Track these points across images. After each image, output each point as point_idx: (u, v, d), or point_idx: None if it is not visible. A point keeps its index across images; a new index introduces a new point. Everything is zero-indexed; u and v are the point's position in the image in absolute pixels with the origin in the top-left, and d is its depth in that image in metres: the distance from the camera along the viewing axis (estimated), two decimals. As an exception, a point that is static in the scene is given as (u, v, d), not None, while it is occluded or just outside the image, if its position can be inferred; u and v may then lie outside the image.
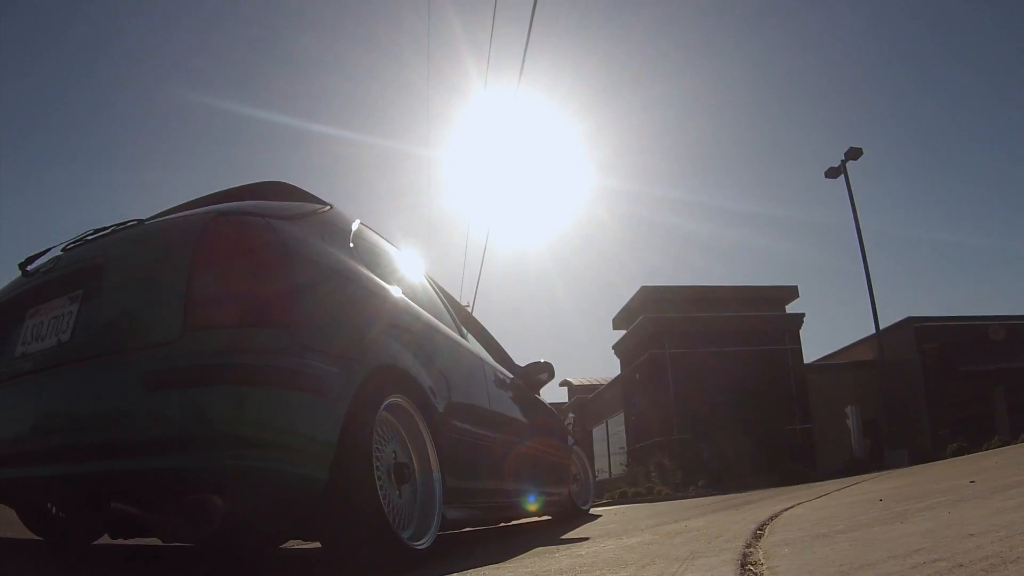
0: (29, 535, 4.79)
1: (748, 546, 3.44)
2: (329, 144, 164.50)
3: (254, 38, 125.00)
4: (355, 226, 4.91)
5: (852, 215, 30.31)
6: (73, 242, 4.16)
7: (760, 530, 4.05)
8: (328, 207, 4.73)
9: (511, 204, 63.17)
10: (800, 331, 36.00)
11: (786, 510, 5.22)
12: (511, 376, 7.17)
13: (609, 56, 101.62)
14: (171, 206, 4.94)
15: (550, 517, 8.14)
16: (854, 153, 30.43)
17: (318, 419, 3.41)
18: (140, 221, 4.12)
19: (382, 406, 3.94)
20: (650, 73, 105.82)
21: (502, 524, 7.69)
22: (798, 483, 12.27)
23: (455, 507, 4.76)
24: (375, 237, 5.28)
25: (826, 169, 31.34)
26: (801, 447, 31.08)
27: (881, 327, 31.00)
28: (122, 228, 4.04)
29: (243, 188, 4.94)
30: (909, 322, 37.09)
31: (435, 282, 6.41)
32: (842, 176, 30.60)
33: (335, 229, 4.51)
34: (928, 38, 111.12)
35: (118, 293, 3.57)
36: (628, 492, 22.57)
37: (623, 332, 38.68)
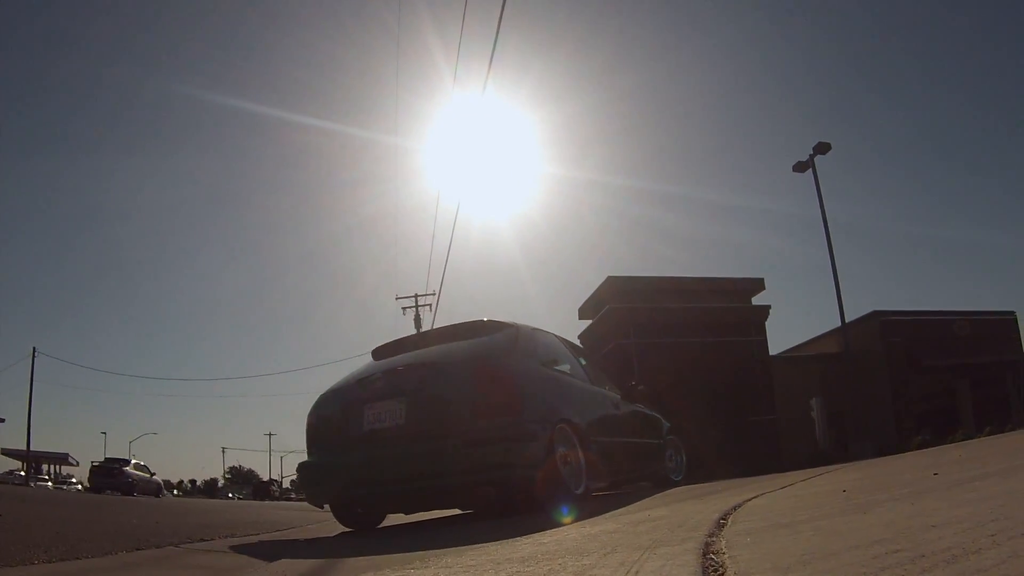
0: (339, 528, 8.61)
1: (711, 535, 3.42)
2: (299, 132, 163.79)
3: (225, 29, 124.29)
4: (536, 335, 9.02)
5: (820, 209, 30.45)
6: (381, 370, 8.12)
7: (723, 519, 4.04)
8: (516, 327, 8.73)
9: (479, 194, 63.25)
10: (766, 323, 36.15)
11: (750, 500, 5.22)
12: (620, 395, 10.61)
13: (579, 47, 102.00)
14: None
15: (656, 485, 10.83)
16: (822, 147, 30.49)
17: (535, 451, 7.11)
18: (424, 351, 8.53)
19: (555, 432, 7.50)
20: (619, 65, 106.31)
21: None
22: (763, 474, 12.33)
23: (592, 479, 8.22)
24: (548, 337, 9.44)
25: (794, 163, 31.39)
26: (767, 438, 31.23)
27: (847, 320, 31.16)
28: (419, 363, 7.92)
29: (460, 326, 9.38)
30: (875, 316, 37.35)
31: (575, 345, 10.96)
32: (810, 170, 30.66)
33: (528, 343, 8.56)
34: (895, 36, 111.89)
35: (431, 400, 7.40)
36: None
37: (589, 322, 38.64)
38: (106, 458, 53.26)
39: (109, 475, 42.37)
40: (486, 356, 7.79)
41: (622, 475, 9.78)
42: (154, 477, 47.66)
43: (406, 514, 9.77)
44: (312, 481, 8.36)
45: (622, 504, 7.06)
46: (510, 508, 7.22)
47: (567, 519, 5.96)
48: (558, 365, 8.98)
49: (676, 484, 11.02)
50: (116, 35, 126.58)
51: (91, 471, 44.86)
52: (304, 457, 8.57)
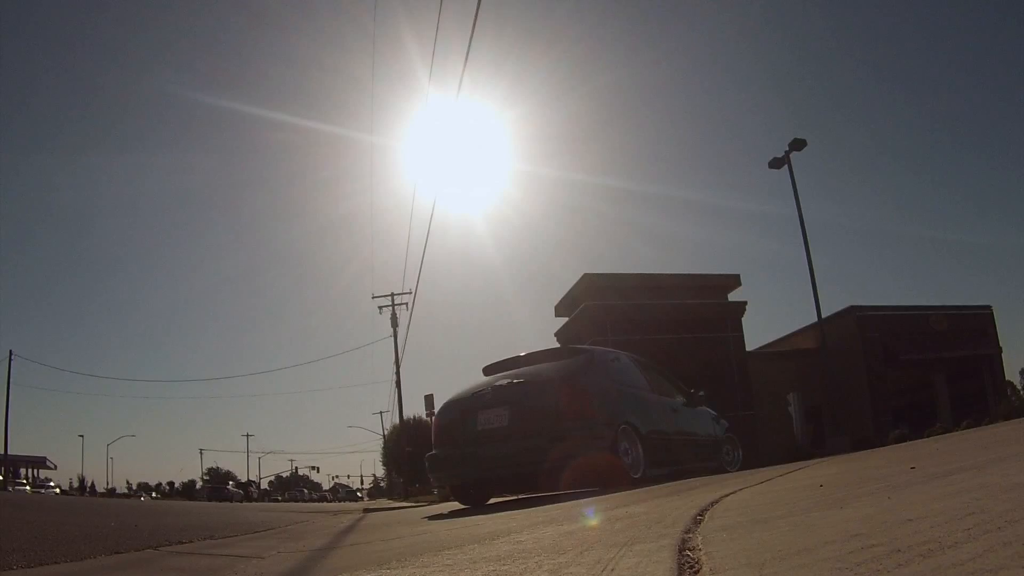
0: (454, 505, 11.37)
1: (687, 531, 3.41)
2: (275, 129, 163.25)
3: (200, 26, 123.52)
4: (607, 356, 12.02)
5: (796, 205, 30.49)
6: (490, 385, 10.73)
7: (700, 516, 4.04)
8: (592, 351, 12.06)
9: (455, 192, 63.16)
10: (743, 319, 36.33)
11: (727, 496, 5.22)
12: (684, 400, 13.22)
13: (554, 44, 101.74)
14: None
15: (711, 474, 11.56)
16: (798, 144, 30.53)
17: (602, 446, 9.71)
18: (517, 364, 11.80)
19: (619, 432, 10.07)
20: (595, 62, 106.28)
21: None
22: (741, 469, 12.49)
23: (650, 468, 10.49)
24: (619, 357, 12.25)
25: (770, 159, 31.42)
26: (744, 434, 31.33)
27: (823, 316, 31.27)
28: (519, 380, 10.51)
29: (550, 350, 12.39)
30: (851, 311, 37.61)
31: (645, 362, 13.14)
32: (786, 166, 30.66)
33: (600, 363, 11.49)
34: (873, 32, 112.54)
35: (527, 408, 10.02)
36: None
37: (565, 319, 38.68)
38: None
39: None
40: (567, 375, 10.61)
41: (679, 465, 11.56)
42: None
43: (508, 495, 12.08)
44: (438, 469, 11.28)
45: (662, 491, 7.07)
46: (582, 486, 9.91)
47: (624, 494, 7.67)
48: (625, 379, 11.73)
49: (731, 475, 11.67)
50: (87, 31, 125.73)
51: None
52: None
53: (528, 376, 10.71)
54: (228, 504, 45.96)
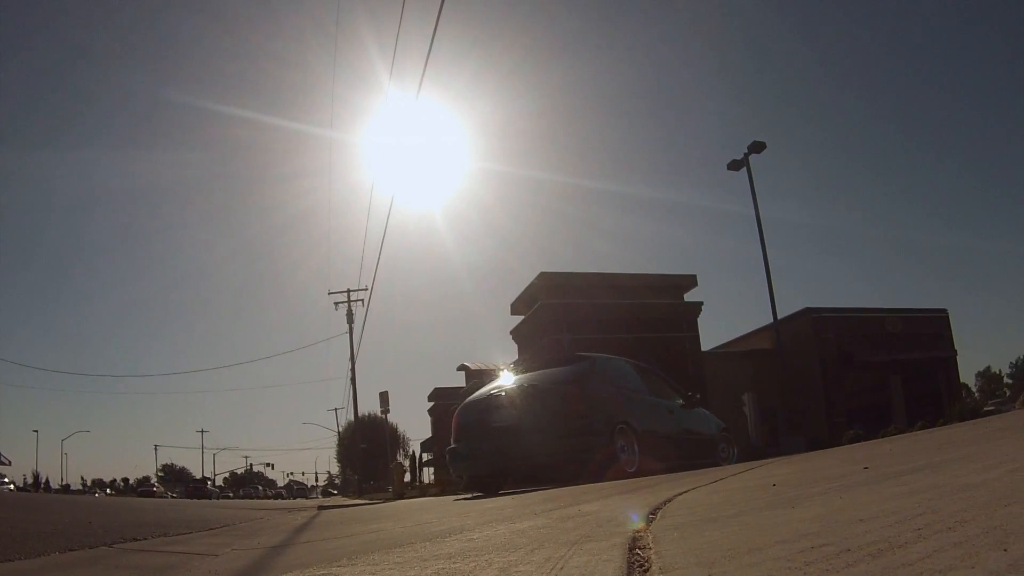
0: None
1: (638, 530, 3.39)
2: (232, 125, 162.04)
3: (155, 19, 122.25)
4: (608, 362, 13.33)
5: (753, 206, 30.56)
6: (503, 387, 12.42)
7: (652, 514, 4.03)
8: (593, 358, 13.36)
9: (413, 189, 63.09)
10: (699, 319, 36.51)
11: (680, 494, 5.21)
12: (681, 402, 14.21)
13: (514, 43, 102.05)
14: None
15: (707, 468, 11.94)
16: (757, 147, 30.58)
17: (600, 443, 11.02)
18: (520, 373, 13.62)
19: (616, 430, 11.30)
20: (555, 61, 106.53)
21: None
22: (695, 468, 12.66)
23: (645, 463, 11.37)
24: (619, 363, 13.56)
25: (729, 161, 31.44)
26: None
27: (779, 317, 31.43)
28: (528, 384, 12.08)
29: (558, 357, 15.87)
30: (807, 312, 37.94)
31: (644, 368, 14.44)
32: (744, 168, 30.71)
33: (601, 369, 12.82)
34: (833, 36, 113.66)
35: (535, 408, 11.49)
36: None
37: (521, 318, 38.67)
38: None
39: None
40: (570, 379, 12.14)
41: (674, 461, 12.29)
42: None
43: (517, 485, 12.72)
44: (458, 462, 12.69)
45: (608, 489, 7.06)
46: (584, 479, 10.43)
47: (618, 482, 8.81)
48: (623, 383, 13.06)
49: (729, 469, 13.34)
50: (44, 26, 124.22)
51: None
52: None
53: (536, 380, 12.25)
54: (184, 501, 45.66)
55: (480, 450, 11.96)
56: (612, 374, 13.07)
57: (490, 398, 12.29)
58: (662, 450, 12.35)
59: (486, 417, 12.06)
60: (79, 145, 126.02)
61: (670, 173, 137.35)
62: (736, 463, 13.65)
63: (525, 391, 11.91)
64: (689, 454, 13.16)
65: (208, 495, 77.64)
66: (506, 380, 12.95)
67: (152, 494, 68.27)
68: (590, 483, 9.49)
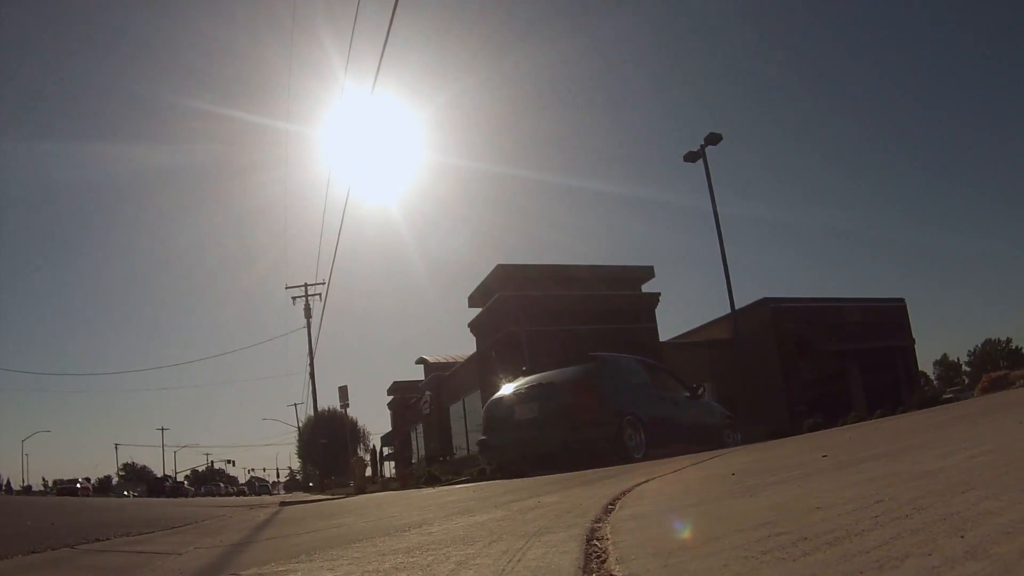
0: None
1: (597, 521, 3.38)
2: (187, 116, 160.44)
3: (110, 10, 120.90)
4: (617, 360, 15.08)
5: (710, 198, 30.62)
6: (524, 385, 13.88)
7: (611, 505, 4.02)
8: (602, 357, 14.93)
9: (369, 183, 62.81)
10: (656, 310, 36.60)
11: (639, 485, 5.22)
12: (687, 393, 15.62)
13: (468, 32, 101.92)
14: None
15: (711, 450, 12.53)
16: (713, 138, 30.56)
17: (609, 432, 12.35)
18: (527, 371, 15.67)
19: (624, 421, 12.61)
20: (510, 54, 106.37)
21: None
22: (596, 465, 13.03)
23: (651, 449, 12.47)
24: (626, 360, 15.30)
25: (685, 153, 31.45)
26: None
27: (737, 307, 31.54)
28: (546, 382, 13.52)
29: (572, 358, 15.27)
30: (765, 302, 38.13)
31: (650, 363, 16.42)
32: (701, 160, 30.73)
33: (610, 366, 14.45)
34: (787, 27, 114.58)
35: (552, 403, 12.86)
36: (487, 470, 22.47)
37: (479, 310, 38.61)
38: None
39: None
40: (581, 377, 13.51)
41: (680, 448, 12.83)
42: None
43: (539, 470, 12.86)
44: (488, 451, 14.48)
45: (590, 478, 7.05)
46: (595, 464, 10.81)
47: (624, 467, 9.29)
48: (631, 379, 14.47)
49: (730, 449, 13.60)
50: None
51: None
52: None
53: (553, 378, 13.68)
54: (146, 500, 45.32)
55: (506, 441, 13.65)
56: (620, 371, 14.54)
57: (515, 394, 13.87)
58: (668, 437, 13.44)
59: (510, 412, 13.67)
60: (31, 136, 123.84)
61: (627, 166, 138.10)
62: (737, 444, 15.06)
63: (543, 388, 13.38)
64: (696, 440, 14.04)
65: (185, 493, 79.73)
66: (526, 379, 14.39)
67: (75, 493, 63.70)
68: (600, 467, 9.99)
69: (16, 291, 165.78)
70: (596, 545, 2.73)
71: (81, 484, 70.44)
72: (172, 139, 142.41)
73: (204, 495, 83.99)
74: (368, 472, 41.74)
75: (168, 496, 65.12)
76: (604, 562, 2.40)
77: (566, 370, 14.05)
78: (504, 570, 2.53)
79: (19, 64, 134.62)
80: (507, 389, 14.44)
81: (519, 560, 2.64)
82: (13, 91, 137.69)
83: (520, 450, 13.42)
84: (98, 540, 7.05)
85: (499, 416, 14.00)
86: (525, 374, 15.07)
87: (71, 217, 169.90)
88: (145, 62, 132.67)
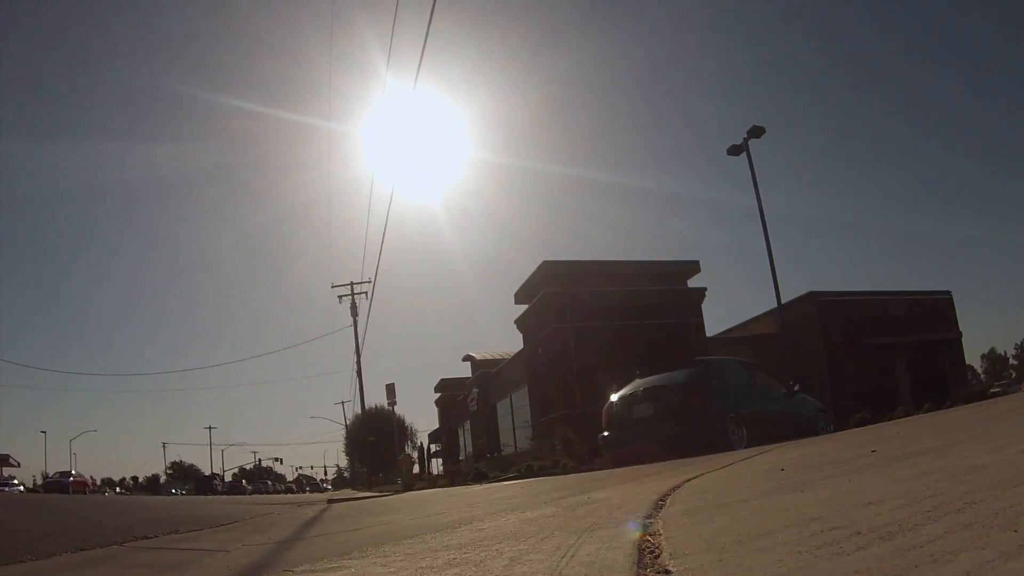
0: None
1: (648, 517, 3.39)
2: (231, 116, 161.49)
3: (156, 13, 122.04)
4: (721, 363, 16.77)
5: (754, 191, 30.40)
6: (641, 387, 15.49)
7: (662, 501, 4.02)
8: (708, 360, 17.26)
9: (413, 181, 62.91)
10: (702, 305, 36.33)
11: (689, 480, 5.22)
12: (784, 390, 16.79)
13: (511, 33, 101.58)
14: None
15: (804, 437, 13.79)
16: (756, 131, 30.31)
17: (715, 428, 13.59)
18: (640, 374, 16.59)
19: (728, 418, 13.95)
20: (552, 51, 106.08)
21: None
22: (702, 455, 13.19)
23: (753, 442, 12.95)
24: (729, 362, 16.97)
25: (728, 147, 31.20)
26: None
27: (783, 301, 31.28)
28: (659, 384, 15.18)
29: (681, 360, 17.94)
30: (811, 296, 37.80)
31: (751, 364, 17.51)
32: (744, 154, 30.49)
33: (715, 368, 16.05)
34: (832, 22, 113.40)
35: (664, 402, 14.46)
36: (534, 466, 22.43)
37: (525, 307, 38.51)
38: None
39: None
40: (689, 379, 14.91)
41: (778, 438, 13.65)
42: None
43: (648, 460, 13.42)
44: (609, 446, 15.57)
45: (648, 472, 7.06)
46: (704, 454, 11.61)
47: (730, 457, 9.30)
48: (733, 379, 15.88)
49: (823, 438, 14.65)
50: (43, 18, 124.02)
51: None
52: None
53: (665, 380, 15.32)
54: (193, 498, 45.73)
55: (625, 436, 15.17)
56: (723, 372, 16.11)
57: (632, 395, 15.56)
58: (767, 430, 14.36)
59: (628, 411, 15.37)
60: (79, 138, 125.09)
61: (670, 162, 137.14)
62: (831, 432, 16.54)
63: (656, 390, 15.08)
64: (792, 432, 14.87)
65: (243, 491, 77.75)
66: (641, 381, 16.04)
67: (65, 489, 48.80)
68: (706, 455, 10.95)
69: (65, 293, 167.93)
70: (649, 541, 2.73)
71: (75, 477, 55.76)
72: (215, 138, 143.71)
73: (251, 493, 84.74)
74: (415, 469, 41.91)
75: (226, 494, 65.02)
76: (658, 557, 2.42)
77: (675, 373, 15.68)
78: (558, 566, 2.56)
79: (65, 66, 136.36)
80: (625, 391, 16.05)
81: (572, 556, 2.66)
82: (60, 93, 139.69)
83: (637, 444, 14.62)
84: (146, 538, 7.14)
85: (618, 414, 15.65)
86: (639, 376, 16.54)
87: (117, 217, 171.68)
88: (188, 63, 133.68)
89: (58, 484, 51.43)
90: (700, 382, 15.14)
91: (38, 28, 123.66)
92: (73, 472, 57.54)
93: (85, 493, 49.26)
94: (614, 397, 16.35)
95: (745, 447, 12.99)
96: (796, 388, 17.59)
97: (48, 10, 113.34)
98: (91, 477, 70.28)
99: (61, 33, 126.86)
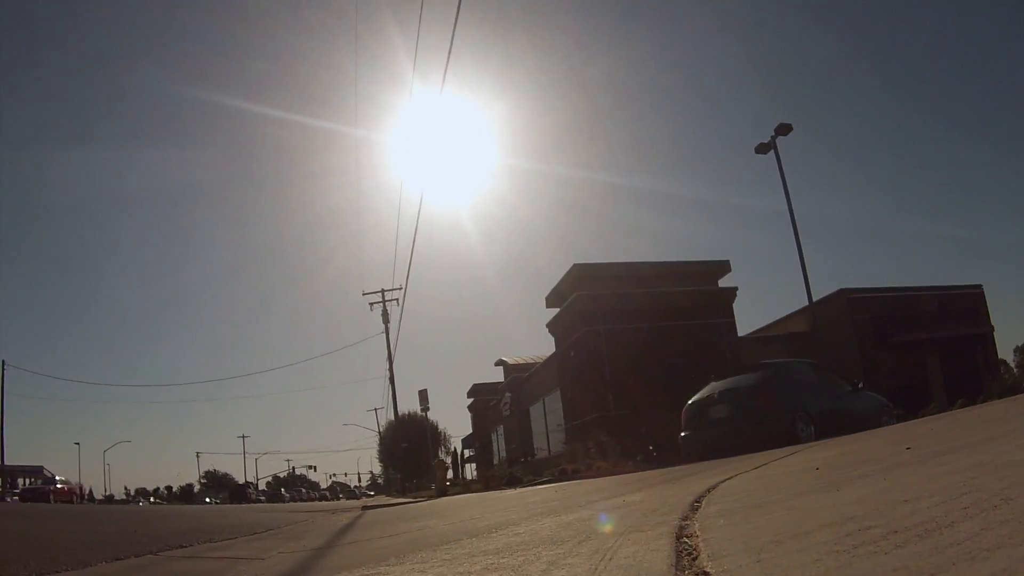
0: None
1: (684, 519, 3.40)
2: (259, 123, 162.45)
3: (180, 18, 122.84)
4: (789, 365, 17.93)
5: (783, 190, 30.27)
6: (716, 390, 16.85)
7: (697, 502, 4.03)
8: (776, 364, 18.05)
9: (442, 187, 63.04)
10: (733, 304, 36.18)
11: (724, 481, 5.22)
12: (849, 388, 17.49)
13: (538, 37, 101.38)
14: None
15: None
16: (784, 129, 30.17)
17: (784, 425, 14.55)
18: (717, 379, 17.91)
19: (797, 416, 14.92)
20: (580, 56, 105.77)
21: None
22: (736, 454, 13.29)
23: (821, 437, 13.63)
24: (796, 364, 18.10)
25: (756, 145, 31.08)
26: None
27: (814, 299, 31.12)
28: (733, 387, 16.60)
29: (752, 365, 18.95)
30: (842, 294, 37.57)
31: (816, 364, 19.03)
32: (772, 152, 30.34)
33: (783, 371, 17.11)
34: (860, 20, 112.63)
35: (738, 404, 15.74)
36: (568, 469, 22.45)
37: (556, 310, 38.49)
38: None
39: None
40: (760, 382, 16.08)
41: (844, 432, 14.07)
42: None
43: (722, 455, 13.98)
44: (688, 445, 16.54)
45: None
46: (772, 446, 12.36)
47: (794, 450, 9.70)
48: (801, 380, 16.83)
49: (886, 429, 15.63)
50: (75, 25, 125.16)
51: None
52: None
53: (738, 383, 16.61)
54: (227, 507, 45.96)
55: (701, 436, 16.32)
56: (792, 374, 17.22)
57: (708, 398, 16.79)
58: (833, 426, 15.11)
59: (704, 412, 16.55)
60: (108, 146, 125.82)
61: (698, 165, 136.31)
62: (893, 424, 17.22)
63: (730, 393, 16.31)
64: (857, 426, 15.46)
65: (282, 499, 78.99)
66: (716, 383, 17.32)
67: (46, 497, 40.18)
68: (774, 448, 11.66)
69: (98, 303, 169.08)
70: (686, 542, 2.75)
71: (61, 484, 46.04)
72: (243, 145, 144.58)
73: (289, 500, 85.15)
74: (449, 475, 41.96)
75: (267, 501, 65.08)
76: (696, 559, 2.43)
77: (746, 376, 17.04)
78: (597, 568, 2.58)
79: (93, 73, 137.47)
80: (701, 394, 17.31)
81: (610, 559, 2.68)
82: (91, 100, 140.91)
83: (714, 443, 15.54)
84: (181, 547, 7.21)
85: (695, 416, 16.83)
86: (715, 379, 17.82)
87: (148, 225, 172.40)
88: (215, 69, 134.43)
89: (36, 492, 42.93)
90: (770, 383, 16.26)
91: (70, 37, 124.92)
92: (59, 478, 48.57)
93: (72, 503, 42.15)
94: (691, 400, 17.49)
95: (813, 441, 13.82)
96: (860, 385, 18.36)
97: (76, 13, 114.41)
98: (81, 485, 62.15)
99: (87, 39, 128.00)
